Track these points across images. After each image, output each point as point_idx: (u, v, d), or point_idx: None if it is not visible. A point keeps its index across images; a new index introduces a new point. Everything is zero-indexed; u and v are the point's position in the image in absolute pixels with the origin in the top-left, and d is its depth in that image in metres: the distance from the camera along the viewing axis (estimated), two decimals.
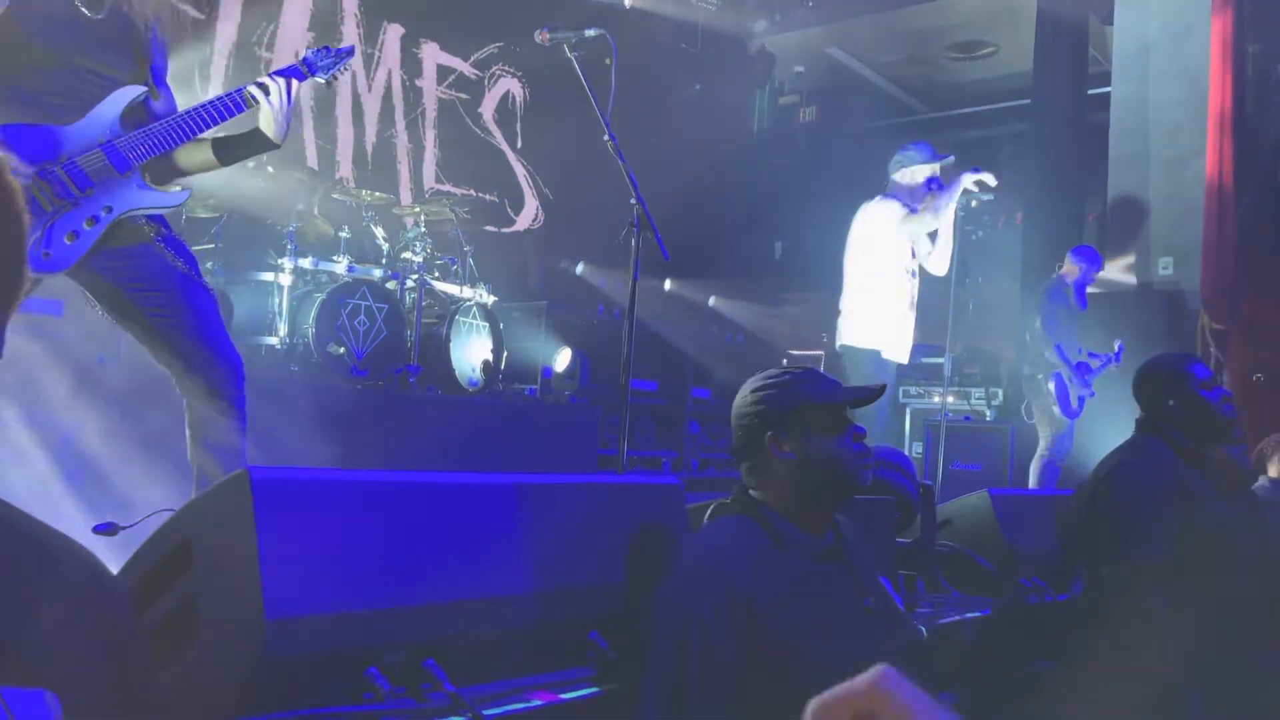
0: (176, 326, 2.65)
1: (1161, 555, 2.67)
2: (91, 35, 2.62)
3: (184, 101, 2.92)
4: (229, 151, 2.87)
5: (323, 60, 2.89)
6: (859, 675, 0.61)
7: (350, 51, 2.98)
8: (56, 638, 0.97)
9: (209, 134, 2.81)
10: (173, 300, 2.66)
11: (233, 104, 2.76)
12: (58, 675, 0.94)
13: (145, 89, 2.73)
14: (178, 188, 2.83)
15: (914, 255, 5.23)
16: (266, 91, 2.76)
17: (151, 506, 2.44)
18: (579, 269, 9.70)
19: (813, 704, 0.60)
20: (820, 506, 2.02)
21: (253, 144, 2.86)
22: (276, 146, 2.86)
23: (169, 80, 2.88)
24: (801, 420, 1.99)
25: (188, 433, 2.71)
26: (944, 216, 5.07)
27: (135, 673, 1.05)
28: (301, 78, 2.83)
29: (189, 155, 2.85)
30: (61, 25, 2.57)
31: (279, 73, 2.82)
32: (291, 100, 2.81)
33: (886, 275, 5.12)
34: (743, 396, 2.07)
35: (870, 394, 2.09)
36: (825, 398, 2.01)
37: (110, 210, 2.62)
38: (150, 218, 2.73)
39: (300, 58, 2.91)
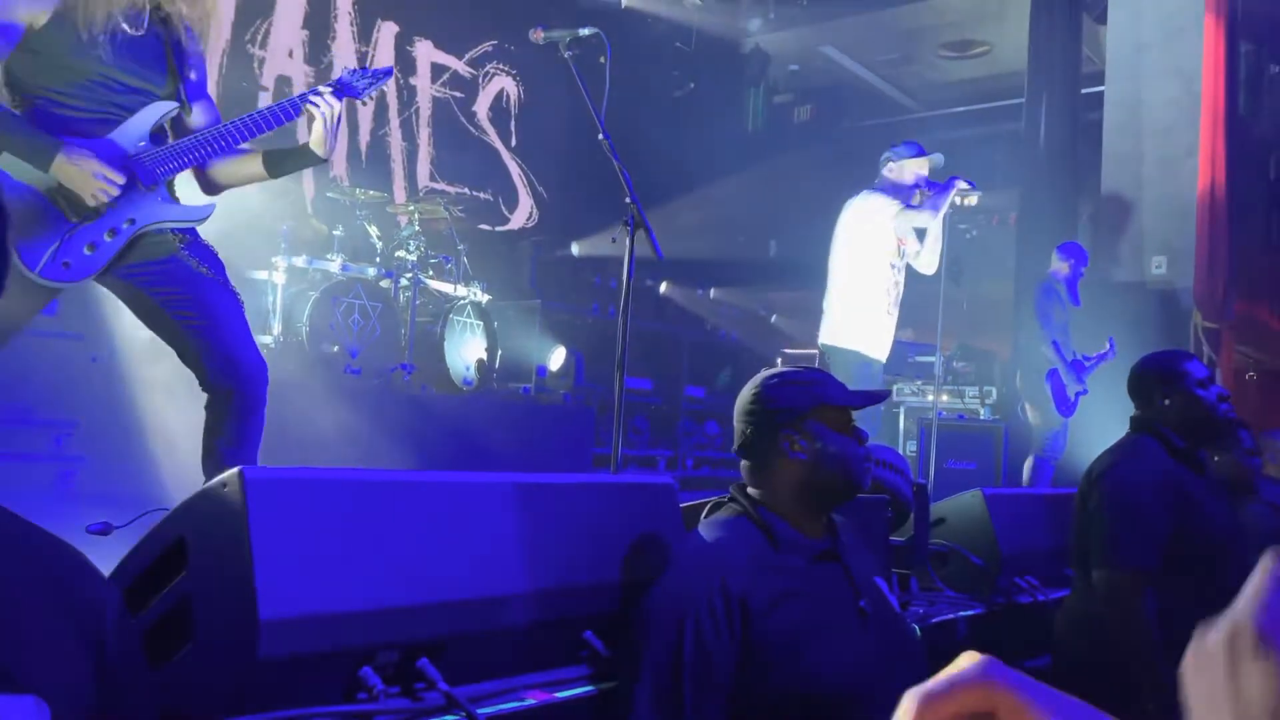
0: (201, 330, 2.66)
1: (1151, 562, 2.67)
2: (127, 50, 2.62)
3: None
4: (279, 165, 2.86)
5: (358, 81, 2.87)
6: (962, 667, 0.57)
7: (389, 72, 2.96)
8: (45, 643, 0.96)
9: (254, 145, 2.81)
10: (197, 304, 2.67)
11: (275, 117, 2.74)
12: (46, 681, 0.93)
13: (177, 105, 2.73)
14: (208, 201, 2.83)
15: (901, 254, 5.18)
16: (317, 105, 2.76)
17: (145, 505, 2.44)
18: (574, 249, 9.72)
19: (912, 696, 0.56)
20: (823, 508, 2.02)
21: (301, 159, 2.85)
22: (324, 161, 2.87)
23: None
24: (815, 421, 1.98)
25: (204, 431, 2.71)
26: (937, 217, 5.06)
27: (126, 677, 1.04)
28: (339, 97, 2.82)
29: (236, 168, 2.85)
30: (98, 40, 2.56)
31: (318, 90, 2.80)
32: (342, 119, 2.81)
33: (872, 273, 5.07)
34: (753, 393, 2.04)
35: (880, 397, 2.20)
36: (841, 400, 2.02)
37: (133, 223, 2.63)
38: (175, 229, 2.74)
39: (336, 76, 2.89)
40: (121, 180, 2.57)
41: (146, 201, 2.66)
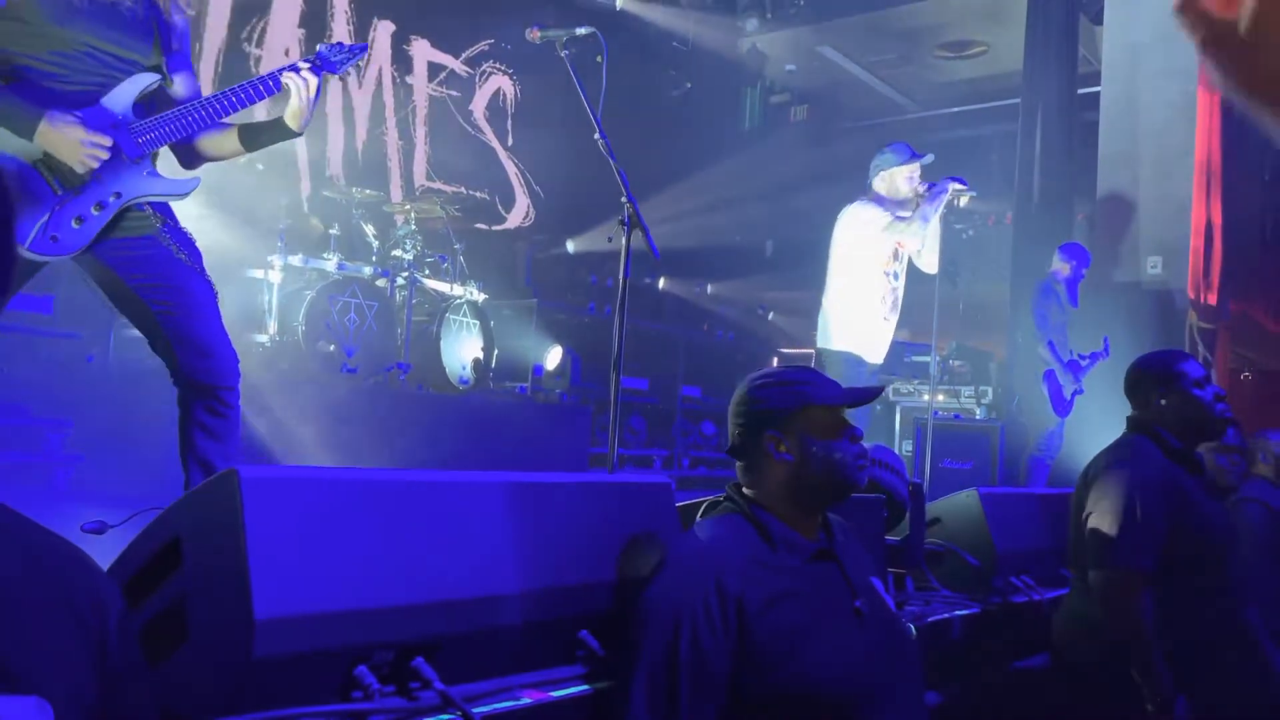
0: (176, 318, 2.64)
1: (1148, 562, 2.67)
2: (113, 19, 2.61)
3: None
4: (255, 139, 2.86)
5: (335, 55, 2.88)
6: None
7: (363, 49, 2.97)
8: (48, 643, 0.96)
9: (233, 119, 2.81)
10: (174, 292, 2.65)
11: (255, 91, 2.74)
12: (49, 681, 0.93)
13: (159, 77, 2.72)
14: (192, 175, 2.82)
15: (897, 257, 5.14)
16: (292, 78, 2.76)
17: (140, 504, 2.43)
18: (570, 248, 9.75)
19: None
20: (815, 508, 2.01)
21: (276, 132, 2.85)
22: (298, 135, 2.86)
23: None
24: (802, 421, 1.97)
25: (180, 427, 2.70)
26: (930, 225, 5.02)
27: (128, 677, 1.04)
28: (316, 72, 2.82)
29: (215, 142, 2.85)
30: (86, 9, 2.55)
31: (296, 66, 2.80)
32: (319, 94, 2.82)
33: (866, 280, 5.03)
34: (742, 394, 2.05)
35: (870, 395, 2.13)
36: (827, 399, 2.01)
37: (119, 196, 2.61)
38: (156, 208, 2.72)
39: (315, 51, 2.89)
40: (109, 143, 2.55)
41: (132, 174, 2.64)
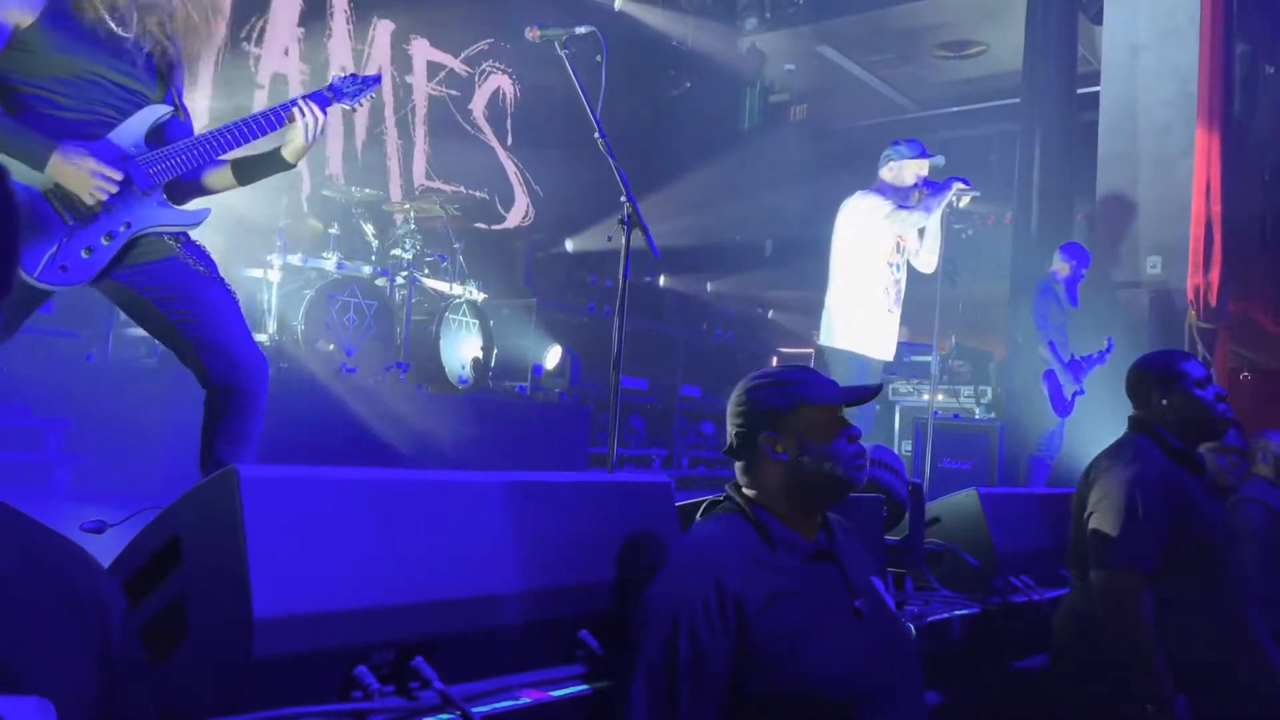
0: (200, 327, 2.65)
1: (1149, 562, 2.66)
2: (120, 51, 2.61)
3: None
4: (248, 173, 2.86)
5: (349, 87, 2.89)
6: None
7: (377, 79, 2.97)
8: (50, 643, 0.96)
9: (230, 155, 2.81)
10: (195, 302, 2.66)
11: (259, 126, 2.74)
12: (51, 681, 0.93)
13: (171, 109, 2.72)
14: (196, 205, 2.82)
15: (900, 250, 5.15)
16: (302, 114, 2.76)
17: (139, 503, 2.43)
18: (569, 246, 9.75)
19: None
20: (812, 508, 2.01)
21: (271, 165, 2.85)
22: (291, 168, 2.87)
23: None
24: (797, 421, 1.97)
25: (203, 429, 2.69)
26: (933, 216, 5.05)
27: (129, 678, 1.04)
28: (327, 104, 2.82)
29: (212, 176, 2.85)
30: (91, 39, 2.55)
31: (309, 97, 2.80)
32: (321, 130, 2.82)
33: (869, 272, 5.03)
34: (738, 394, 2.05)
35: (867, 394, 2.11)
36: (822, 399, 2.00)
37: (128, 226, 2.62)
38: (170, 233, 2.72)
39: (327, 84, 2.89)
40: (119, 177, 2.55)
41: (142, 205, 2.64)
